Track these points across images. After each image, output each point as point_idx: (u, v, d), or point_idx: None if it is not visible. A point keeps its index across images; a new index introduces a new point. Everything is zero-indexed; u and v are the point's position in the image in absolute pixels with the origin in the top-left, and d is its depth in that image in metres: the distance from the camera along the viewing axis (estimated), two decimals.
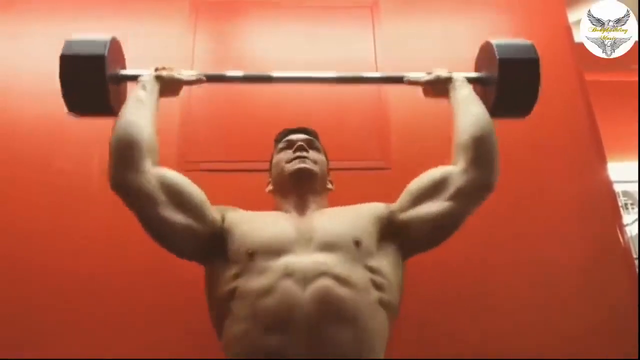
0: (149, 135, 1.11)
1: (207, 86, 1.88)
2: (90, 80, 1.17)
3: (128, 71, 1.31)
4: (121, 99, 1.27)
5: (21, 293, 1.57)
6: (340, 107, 1.89)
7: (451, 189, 1.12)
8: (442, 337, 1.56)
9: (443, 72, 1.29)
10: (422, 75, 1.32)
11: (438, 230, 1.15)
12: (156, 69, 1.25)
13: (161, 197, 1.07)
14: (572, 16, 2.12)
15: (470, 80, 1.30)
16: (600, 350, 1.53)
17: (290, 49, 2.02)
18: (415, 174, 1.70)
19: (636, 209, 3.07)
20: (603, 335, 1.57)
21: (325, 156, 1.38)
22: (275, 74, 1.35)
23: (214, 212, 1.16)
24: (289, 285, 0.98)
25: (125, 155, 1.07)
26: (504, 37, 1.31)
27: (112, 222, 1.64)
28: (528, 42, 1.28)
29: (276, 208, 1.28)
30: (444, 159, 1.79)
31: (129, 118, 1.11)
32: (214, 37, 2.05)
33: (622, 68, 1.87)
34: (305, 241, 1.07)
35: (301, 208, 1.23)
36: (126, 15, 2.04)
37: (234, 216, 1.17)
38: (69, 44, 1.19)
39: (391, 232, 1.15)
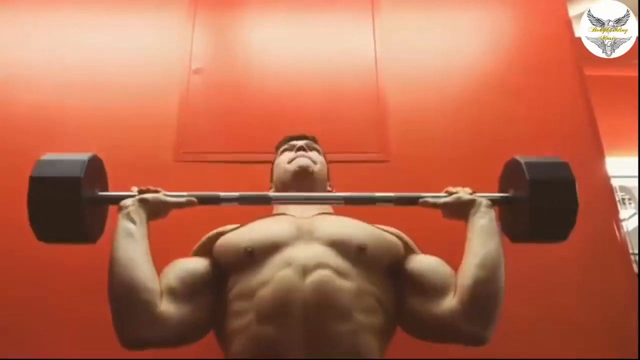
0: (149, 276, 1.00)
1: (206, 78, 1.90)
2: (64, 205, 1.01)
3: (108, 194, 1.14)
4: (101, 223, 1.14)
5: (17, 289, 1.55)
6: (338, 100, 1.89)
7: (438, 311, 1.03)
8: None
9: (465, 195, 1.15)
10: (442, 196, 1.16)
11: (406, 322, 1.11)
12: (140, 191, 1.11)
13: (180, 313, 1.01)
14: (573, 10, 2.11)
15: (494, 202, 1.15)
16: (599, 349, 1.53)
17: (290, 41, 2.01)
18: (413, 166, 1.74)
19: (633, 204, 3.07)
20: (600, 332, 1.56)
21: (326, 160, 1.39)
22: (273, 194, 1.26)
23: (204, 262, 1.12)
24: (287, 274, 0.98)
25: (134, 312, 0.96)
26: (532, 156, 1.15)
27: (110, 218, 1.64)
28: (561, 160, 1.13)
29: (276, 211, 1.28)
30: (443, 152, 1.82)
31: (123, 263, 0.98)
32: (213, 28, 2.04)
33: (621, 63, 1.86)
34: (307, 237, 1.07)
35: (302, 207, 1.23)
36: (125, 7, 2.03)
37: (227, 236, 1.15)
38: (42, 161, 1.05)
39: (395, 272, 1.13)
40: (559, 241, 1.13)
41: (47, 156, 1.06)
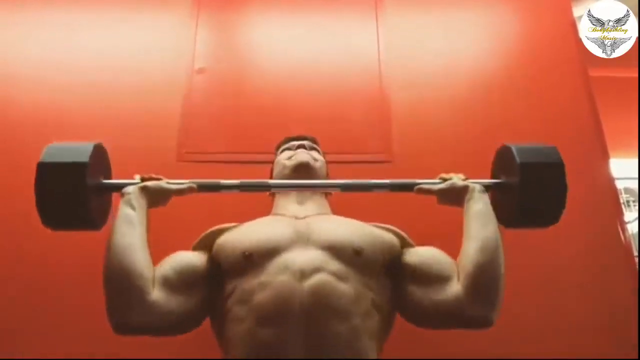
0: (144, 262, 1.01)
1: (209, 78, 1.90)
2: (70, 190, 1.04)
3: (112, 182, 1.18)
4: (105, 210, 1.16)
5: (17, 288, 1.56)
6: (341, 100, 1.89)
7: (443, 298, 1.04)
8: (441, 336, 1.55)
9: (459, 181, 1.17)
10: (436, 183, 1.19)
11: (413, 315, 1.12)
12: (142, 179, 1.14)
13: (173, 303, 1.02)
14: (577, 11, 2.10)
15: (487, 188, 1.18)
16: (600, 350, 1.53)
17: (293, 41, 2.01)
18: (416, 167, 1.73)
19: (637, 206, 3.06)
20: (603, 333, 1.56)
21: (325, 160, 1.39)
22: (272, 181, 1.29)
23: (201, 257, 1.13)
24: (285, 279, 0.99)
25: (125, 297, 0.98)
26: (524, 142, 1.19)
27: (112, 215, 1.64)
28: (550, 146, 1.17)
29: (275, 210, 1.29)
30: (446, 153, 1.81)
31: (120, 248, 1.00)
32: (216, 28, 2.04)
33: (625, 64, 1.85)
34: (304, 241, 1.07)
35: (301, 206, 1.24)
36: (128, 7, 2.03)
37: (226, 236, 1.15)
38: (49, 148, 1.08)
39: (393, 268, 1.14)
40: (549, 225, 1.16)
41: (55, 144, 1.09)
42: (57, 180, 1.03)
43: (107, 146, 1.70)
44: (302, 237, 1.08)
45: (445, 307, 1.04)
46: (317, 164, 1.31)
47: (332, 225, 1.16)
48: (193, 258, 1.12)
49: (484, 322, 1.03)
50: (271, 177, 1.39)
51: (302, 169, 1.27)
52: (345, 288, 1.00)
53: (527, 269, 1.62)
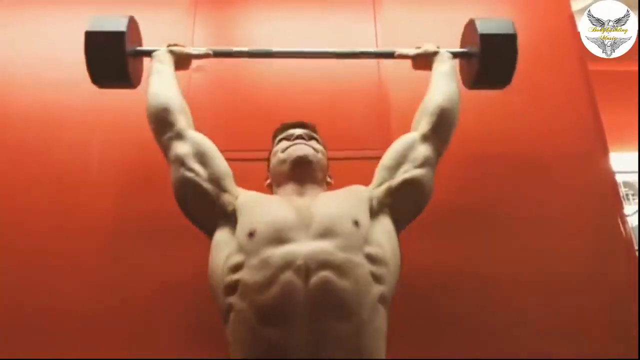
0: (176, 96, 1.31)
1: (207, 76, 1.89)
2: (112, 54, 1.34)
3: (144, 47, 1.50)
4: (138, 71, 1.49)
5: (16, 288, 1.56)
6: (340, 96, 1.89)
7: (418, 157, 1.25)
8: (440, 336, 1.55)
9: (431, 47, 1.45)
10: (412, 50, 1.48)
11: (417, 193, 1.24)
12: (168, 45, 1.44)
13: (192, 161, 1.22)
14: (575, 4, 2.10)
15: (455, 55, 1.46)
16: (602, 344, 1.53)
17: (291, 37, 2.01)
18: None
19: (637, 200, 3.06)
20: (603, 326, 1.57)
21: (325, 149, 1.38)
22: (276, 49, 1.53)
23: (233, 187, 1.25)
24: (289, 277, 0.98)
25: (159, 119, 1.27)
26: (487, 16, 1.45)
27: (111, 212, 1.63)
28: (508, 19, 1.43)
29: (281, 191, 1.30)
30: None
31: (155, 88, 1.31)
32: (214, 25, 2.04)
33: (624, 58, 1.85)
34: (305, 226, 1.07)
35: (300, 197, 1.23)
36: (125, 4, 1.98)
37: (245, 198, 1.21)
38: (92, 20, 1.36)
39: (379, 208, 1.19)
40: (503, 86, 1.48)
41: (96, 17, 1.39)
42: (102, 45, 1.34)
43: (105, 144, 1.74)
44: (304, 221, 1.08)
45: (418, 153, 1.26)
46: (318, 156, 1.30)
47: (329, 203, 1.17)
48: (228, 171, 1.27)
49: (440, 154, 1.30)
50: (268, 168, 1.38)
51: (302, 163, 1.26)
52: (348, 286, 0.99)
53: (527, 263, 1.62)
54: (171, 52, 1.43)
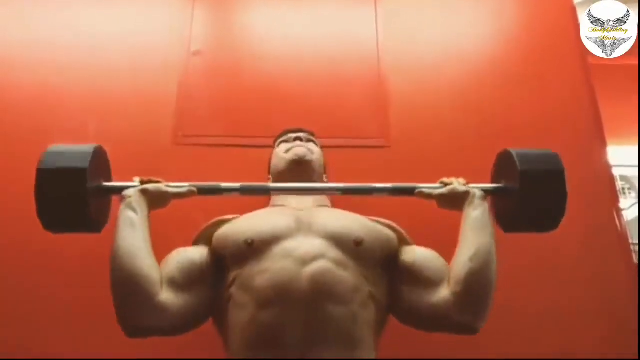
0: (150, 265, 1.03)
1: (205, 61, 1.88)
2: (71, 196, 1.05)
3: (112, 185, 1.18)
4: (105, 212, 1.18)
5: (14, 278, 1.54)
6: (339, 84, 1.89)
7: (432, 302, 1.07)
8: (440, 336, 1.55)
9: (459, 186, 1.18)
10: (437, 187, 1.20)
11: (402, 313, 1.14)
12: (141, 182, 1.14)
13: (180, 302, 1.04)
14: None
15: (487, 192, 1.19)
16: (598, 338, 1.54)
17: (291, 24, 2.00)
18: (414, 152, 1.73)
19: (633, 194, 3.07)
20: (599, 321, 1.57)
21: (323, 152, 1.42)
22: (272, 185, 1.32)
23: (202, 251, 1.14)
24: (286, 264, 1.02)
25: (134, 300, 1.00)
26: (525, 148, 1.19)
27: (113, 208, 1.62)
28: (552, 153, 1.17)
29: (274, 202, 1.31)
30: (443, 139, 1.81)
31: (126, 252, 1.01)
32: (213, 10, 2.02)
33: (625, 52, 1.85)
34: (305, 230, 1.10)
35: (300, 199, 1.27)
36: None
37: (226, 227, 1.17)
38: (47, 155, 1.07)
39: (390, 264, 1.16)
40: (549, 231, 1.17)
41: (53, 148, 1.09)
42: (57, 186, 1.04)
43: (103, 129, 1.69)
44: (303, 226, 1.11)
45: (432, 311, 1.07)
46: (314, 157, 1.35)
47: (333, 216, 1.19)
48: (195, 254, 1.13)
49: (469, 330, 1.07)
50: (269, 170, 1.42)
51: (299, 163, 1.31)
52: (344, 275, 1.03)
53: (522, 259, 1.61)
54: (145, 192, 1.11)
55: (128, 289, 1.00)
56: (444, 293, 1.06)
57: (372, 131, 1.79)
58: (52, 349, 1.46)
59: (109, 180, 1.19)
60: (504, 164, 1.21)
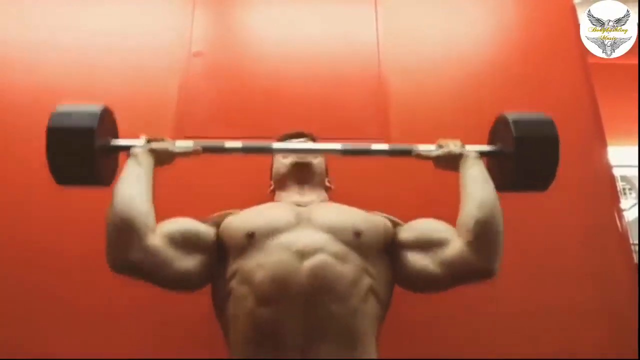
0: (147, 211, 1.07)
1: (206, 62, 1.88)
2: (80, 154, 1.10)
3: (119, 141, 1.22)
4: (113, 167, 1.23)
5: (14, 278, 1.55)
6: (339, 84, 1.89)
7: (447, 256, 1.10)
8: (437, 335, 1.55)
9: (455, 147, 1.23)
10: (433, 149, 1.25)
11: (420, 282, 1.15)
12: (148, 140, 1.18)
13: (171, 255, 1.08)
14: None
15: (483, 154, 1.25)
16: (599, 337, 1.54)
17: (291, 25, 2.00)
18: None
19: (633, 194, 3.06)
20: (600, 320, 1.57)
21: (324, 158, 1.43)
22: (275, 145, 1.31)
23: (209, 228, 1.18)
24: (286, 257, 1.03)
25: (126, 236, 1.03)
26: (519, 110, 1.25)
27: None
28: (547, 117, 1.21)
29: (277, 199, 1.34)
30: (444, 138, 1.80)
31: (126, 196, 1.05)
32: (214, 11, 2.02)
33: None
34: (305, 223, 1.12)
35: (302, 197, 1.28)
36: None
37: (230, 218, 1.19)
38: (57, 116, 1.13)
39: (389, 249, 1.19)
40: (540, 191, 1.25)
41: (63, 106, 1.15)
42: (67, 144, 1.10)
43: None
44: (303, 220, 1.13)
45: (451, 264, 1.10)
46: (316, 160, 1.35)
47: (332, 210, 1.21)
48: (201, 226, 1.17)
49: (487, 273, 1.10)
50: (270, 174, 1.43)
51: (300, 165, 1.32)
52: (344, 269, 1.04)
53: (523, 257, 1.62)
54: (152, 150, 1.16)
55: (121, 225, 1.02)
56: (457, 245, 1.10)
57: (372, 131, 1.79)
58: (52, 349, 1.46)
59: (116, 137, 1.24)
60: (500, 128, 1.27)
